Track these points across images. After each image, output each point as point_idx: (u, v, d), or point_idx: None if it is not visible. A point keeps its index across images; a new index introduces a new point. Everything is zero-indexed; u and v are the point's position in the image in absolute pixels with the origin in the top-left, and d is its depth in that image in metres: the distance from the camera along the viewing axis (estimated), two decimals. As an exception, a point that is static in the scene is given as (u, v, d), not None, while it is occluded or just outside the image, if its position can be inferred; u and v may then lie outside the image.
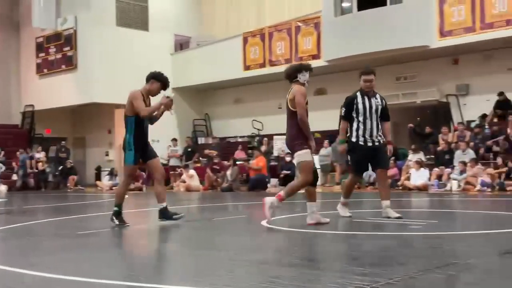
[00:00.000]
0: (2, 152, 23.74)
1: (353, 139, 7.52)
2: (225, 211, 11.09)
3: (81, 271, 4.39)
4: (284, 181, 17.91)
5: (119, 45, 23.08)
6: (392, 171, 15.50)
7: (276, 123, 21.76)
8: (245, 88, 23.07)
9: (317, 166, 18.49)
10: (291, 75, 7.02)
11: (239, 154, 19.86)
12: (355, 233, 6.47)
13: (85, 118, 26.59)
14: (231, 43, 22.56)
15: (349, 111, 7.51)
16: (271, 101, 22.56)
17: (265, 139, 20.48)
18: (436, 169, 15.77)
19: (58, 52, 24.15)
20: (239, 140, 23.14)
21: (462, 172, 14.91)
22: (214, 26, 25.66)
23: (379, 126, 7.52)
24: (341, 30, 18.41)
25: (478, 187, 14.31)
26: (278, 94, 22.17)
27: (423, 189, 15.14)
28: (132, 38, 23.60)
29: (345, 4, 18.73)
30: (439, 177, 15.51)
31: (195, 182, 18.99)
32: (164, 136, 23.12)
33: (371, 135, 7.45)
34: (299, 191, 7.17)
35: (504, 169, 14.42)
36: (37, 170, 22.98)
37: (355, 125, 7.51)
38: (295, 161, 7.11)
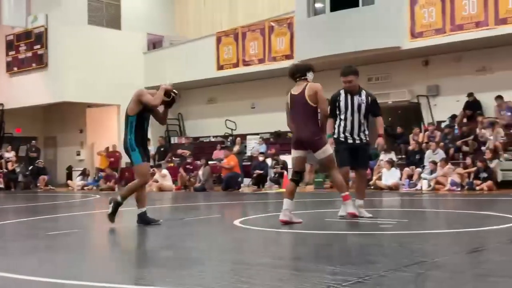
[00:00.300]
0: (-29, 152, 23.36)
1: (335, 136, 7.59)
2: (198, 211, 11.06)
3: (49, 272, 4.35)
4: (257, 181, 17.97)
5: (91, 44, 22.86)
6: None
7: (249, 123, 21.87)
8: (218, 87, 23.05)
9: (290, 166, 18.62)
10: (301, 73, 7.09)
11: (218, 154, 19.83)
12: (327, 232, 6.52)
13: (56, 117, 26.30)
14: (204, 43, 22.51)
15: (332, 109, 7.59)
16: (245, 101, 22.60)
17: (238, 138, 20.50)
18: (407, 168, 15.98)
19: (29, 50, 23.84)
20: (212, 140, 23.12)
21: (432, 171, 15.13)
22: (187, 25, 25.60)
23: (362, 124, 7.53)
24: (314, 30, 18.52)
25: (448, 186, 14.54)
26: (252, 94, 22.31)
27: (394, 188, 15.32)
28: (104, 36, 23.39)
29: (318, 5, 18.85)
30: (410, 176, 15.72)
31: (167, 182, 18.92)
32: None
33: (351, 133, 7.49)
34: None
35: (473, 169, 14.67)
36: (6, 170, 22.64)
37: (337, 122, 7.59)
38: (319, 156, 6.99)
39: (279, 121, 21.35)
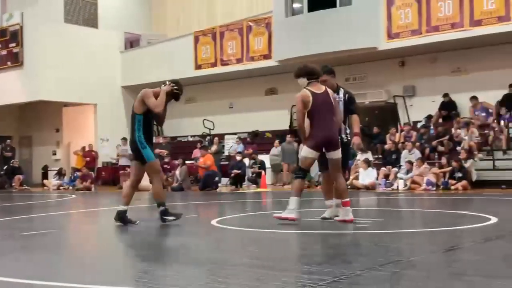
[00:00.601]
0: None
1: None
2: (175, 210, 10.99)
3: (24, 273, 4.30)
4: (235, 180, 17.96)
5: (67, 43, 22.62)
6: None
7: (227, 123, 21.85)
8: (196, 87, 22.98)
9: (268, 165, 18.67)
10: (319, 75, 7.15)
11: (197, 153, 19.77)
12: (304, 232, 6.55)
13: (32, 116, 25.98)
14: (182, 42, 22.44)
15: None
16: (223, 100, 22.58)
17: (216, 138, 20.46)
18: (383, 168, 16.11)
19: (4, 48, 23.51)
20: (190, 139, 23.05)
21: (408, 171, 15.27)
22: (165, 25, 25.49)
23: (342, 123, 7.55)
24: (292, 30, 18.58)
25: (424, 186, 14.69)
26: (230, 93, 22.30)
27: (371, 188, 15.42)
28: (80, 35, 23.16)
29: (296, 5, 18.91)
30: (386, 176, 15.84)
31: (145, 181, 18.72)
32: (114, 135, 22.87)
33: None
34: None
35: (448, 168, 14.84)
36: (-20, 170, 22.32)
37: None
38: (335, 156, 6.93)
39: (257, 121, 21.53)
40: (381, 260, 4.43)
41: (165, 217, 7.24)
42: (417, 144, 16.23)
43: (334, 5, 17.76)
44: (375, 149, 17.53)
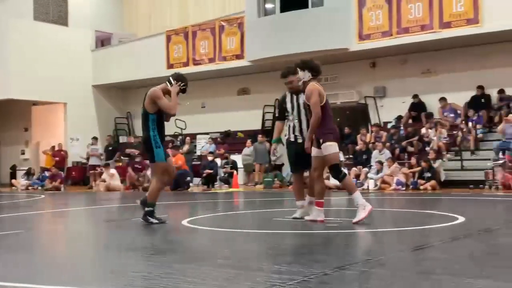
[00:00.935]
0: None
1: (286, 137, 7.66)
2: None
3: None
4: (207, 180, 17.92)
5: (36, 40, 22.30)
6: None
7: (199, 123, 21.77)
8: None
9: (240, 165, 18.68)
10: (320, 74, 7.23)
11: (169, 153, 19.68)
12: (274, 232, 6.56)
13: (0, 115, 25.53)
14: (154, 41, 22.31)
15: (280, 111, 7.65)
16: (195, 100, 22.46)
17: (188, 138, 20.38)
18: (354, 168, 16.24)
19: (-29, 45, 23.04)
20: (162, 139, 22.87)
21: (378, 171, 15.43)
22: (136, 23, 25.31)
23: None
24: (264, 30, 18.62)
25: (394, 186, 14.86)
26: (202, 93, 22.21)
27: (342, 188, 15.49)
28: (50, 32, 22.86)
29: (268, 5, 18.95)
30: (357, 176, 15.97)
31: (116, 181, 18.65)
32: (84, 134, 22.62)
33: (301, 132, 7.55)
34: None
35: (418, 168, 15.03)
36: None
37: (287, 123, 7.67)
38: (321, 153, 6.95)
39: (229, 121, 21.50)
40: (350, 259, 4.46)
41: (149, 217, 7.16)
42: (387, 144, 16.41)
43: (306, 6, 17.85)
44: (346, 149, 17.65)
